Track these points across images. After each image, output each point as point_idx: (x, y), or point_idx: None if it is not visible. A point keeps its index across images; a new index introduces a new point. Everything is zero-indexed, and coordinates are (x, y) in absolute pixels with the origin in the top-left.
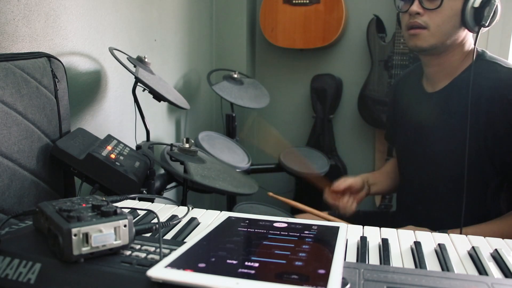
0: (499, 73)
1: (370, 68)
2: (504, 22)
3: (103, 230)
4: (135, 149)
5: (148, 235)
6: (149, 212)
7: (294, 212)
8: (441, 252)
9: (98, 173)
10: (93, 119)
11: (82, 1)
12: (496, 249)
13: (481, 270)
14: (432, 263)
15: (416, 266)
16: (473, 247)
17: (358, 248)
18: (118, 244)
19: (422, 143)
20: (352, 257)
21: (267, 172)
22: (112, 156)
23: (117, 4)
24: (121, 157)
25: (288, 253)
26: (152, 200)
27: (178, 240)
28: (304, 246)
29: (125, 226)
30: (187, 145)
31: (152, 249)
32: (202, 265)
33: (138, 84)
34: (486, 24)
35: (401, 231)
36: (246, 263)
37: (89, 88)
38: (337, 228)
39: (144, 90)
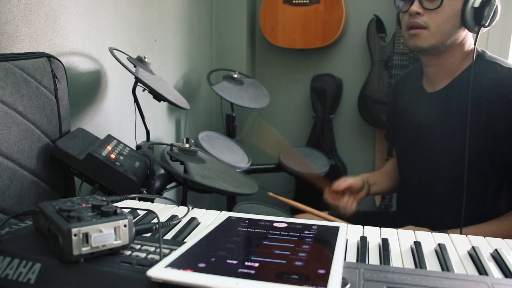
0: (499, 73)
1: (370, 68)
2: (504, 22)
3: (103, 230)
4: (135, 149)
5: (148, 235)
6: (149, 212)
7: (294, 212)
8: (441, 252)
9: (98, 173)
10: (93, 119)
11: (82, 1)
12: (496, 249)
13: (481, 270)
14: (432, 263)
15: (416, 266)
16: (473, 247)
17: (358, 248)
18: (118, 244)
19: (422, 143)
20: (352, 257)
21: (267, 172)
22: (112, 156)
23: (117, 4)
24: (121, 157)
25: (288, 253)
26: (152, 200)
27: (178, 240)
28: (304, 246)
29: (125, 226)
30: (187, 145)
31: (152, 249)
32: (202, 265)
33: (138, 84)
34: (486, 24)
35: (401, 231)
36: (246, 263)
37: (89, 88)
38: (337, 228)
39: (144, 90)
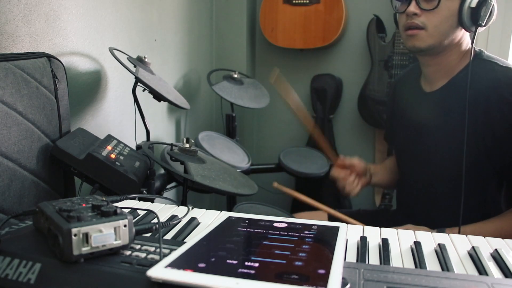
0: (496, 73)
1: (370, 68)
2: (504, 22)
3: (103, 230)
4: (135, 149)
5: (148, 235)
6: (149, 212)
7: (294, 212)
8: (441, 252)
9: (98, 173)
10: (93, 119)
11: (82, 1)
12: (496, 249)
13: (481, 270)
14: (432, 263)
15: (416, 266)
16: (473, 247)
17: (358, 248)
18: (118, 244)
19: (420, 143)
20: (352, 257)
21: (267, 172)
22: (112, 156)
23: (117, 4)
24: (121, 157)
25: (288, 253)
26: (152, 200)
27: (178, 240)
28: (304, 246)
29: (125, 226)
30: (187, 145)
31: (152, 249)
32: (202, 265)
33: (138, 84)
34: (483, 24)
35: (401, 231)
36: (246, 263)
37: (89, 88)
38: (337, 228)
39: (144, 90)
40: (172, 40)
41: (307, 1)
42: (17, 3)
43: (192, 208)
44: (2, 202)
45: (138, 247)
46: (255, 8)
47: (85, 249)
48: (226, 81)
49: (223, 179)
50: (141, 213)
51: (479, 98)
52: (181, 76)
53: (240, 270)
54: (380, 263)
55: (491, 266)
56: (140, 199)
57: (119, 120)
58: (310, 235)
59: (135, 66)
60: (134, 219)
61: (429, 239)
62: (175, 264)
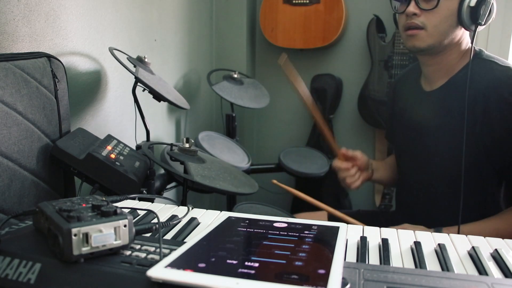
0: (495, 72)
1: (370, 68)
2: (504, 22)
3: (103, 230)
4: (135, 149)
5: (148, 235)
6: (149, 212)
7: (294, 212)
8: (441, 252)
9: (98, 173)
10: (93, 119)
11: (82, 1)
12: (496, 249)
13: (481, 270)
14: (432, 263)
15: (416, 266)
16: (473, 247)
17: (358, 248)
18: (118, 244)
19: (420, 142)
20: (352, 257)
21: (267, 172)
22: (112, 156)
23: (117, 4)
24: (121, 157)
25: (288, 253)
26: (152, 200)
27: (178, 240)
28: (304, 246)
29: (125, 226)
30: (187, 145)
31: (152, 249)
32: (202, 265)
33: (138, 84)
34: (483, 23)
35: (401, 231)
36: (246, 263)
37: (89, 88)
38: (337, 228)
39: (144, 90)
40: (172, 40)
41: (307, 1)
42: (17, 3)
43: (192, 208)
44: (2, 202)
45: (138, 247)
46: (255, 8)
47: (85, 249)
48: (226, 81)
49: (223, 179)
50: (141, 213)
51: (478, 98)
52: (181, 76)
53: (240, 270)
54: (380, 263)
55: (491, 266)
56: (140, 199)
57: (119, 120)
58: (310, 235)
59: (135, 66)
60: (134, 219)
61: (429, 239)
62: (175, 264)
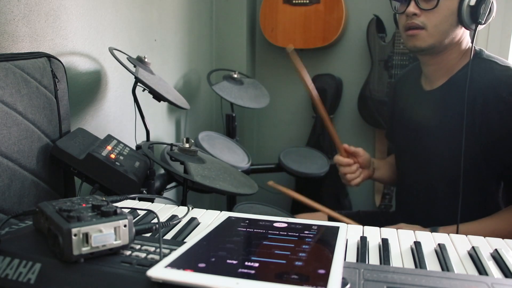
0: (495, 72)
1: (370, 68)
2: (504, 22)
3: (103, 230)
4: (135, 149)
5: (148, 235)
6: (149, 212)
7: (294, 212)
8: (441, 252)
9: (98, 173)
10: (93, 119)
11: (82, 1)
12: (496, 249)
13: (481, 270)
14: (432, 263)
15: (416, 266)
16: (473, 247)
17: (358, 248)
18: (118, 244)
19: (420, 142)
20: (352, 257)
21: (267, 172)
22: (112, 156)
23: (117, 4)
24: (121, 157)
25: (288, 253)
26: (152, 200)
27: (178, 240)
28: (304, 246)
29: (125, 226)
30: (187, 145)
31: (152, 249)
32: (202, 265)
33: (138, 84)
34: (483, 22)
35: (401, 231)
36: (246, 263)
37: (89, 88)
38: (337, 228)
39: (144, 90)
40: (172, 40)
41: (307, 1)
42: (17, 3)
43: (192, 208)
44: (2, 202)
45: (138, 247)
46: (255, 8)
47: (85, 249)
48: (226, 81)
49: (223, 179)
50: (141, 213)
51: (477, 97)
52: (181, 76)
53: (240, 270)
54: (380, 263)
55: (491, 266)
56: (140, 199)
57: (119, 120)
58: (310, 235)
59: (135, 66)
60: (134, 219)
61: (429, 239)
62: (175, 264)
